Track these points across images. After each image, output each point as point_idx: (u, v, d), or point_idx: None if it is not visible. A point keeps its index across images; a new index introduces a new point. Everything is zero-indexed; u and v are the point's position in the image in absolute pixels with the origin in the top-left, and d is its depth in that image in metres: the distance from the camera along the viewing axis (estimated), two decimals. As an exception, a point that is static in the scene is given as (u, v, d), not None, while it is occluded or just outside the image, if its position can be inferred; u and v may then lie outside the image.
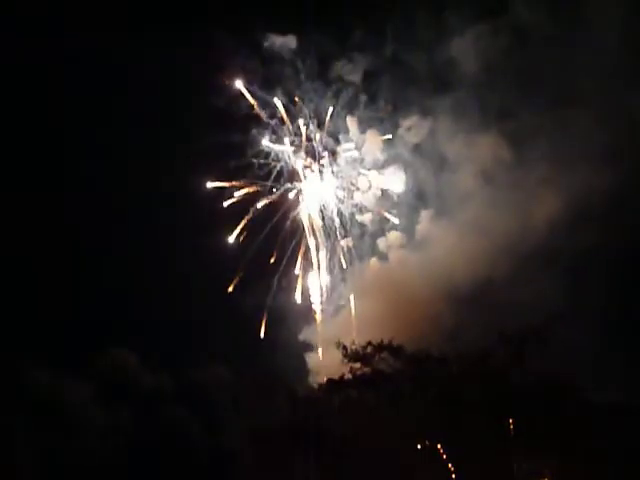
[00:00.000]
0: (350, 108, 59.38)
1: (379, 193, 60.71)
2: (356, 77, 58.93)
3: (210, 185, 58.21)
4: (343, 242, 60.66)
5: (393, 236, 60.51)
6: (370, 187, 60.60)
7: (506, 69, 56.33)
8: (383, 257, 60.82)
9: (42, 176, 53.03)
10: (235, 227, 58.42)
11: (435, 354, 47.44)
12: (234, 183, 58.53)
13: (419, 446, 46.82)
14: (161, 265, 53.84)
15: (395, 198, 60.60)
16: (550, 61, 56.25)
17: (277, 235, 59.21)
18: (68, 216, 52.65)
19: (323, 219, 60.75)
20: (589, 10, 53.64)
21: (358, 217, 61.00)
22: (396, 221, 60.36)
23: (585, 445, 43.24)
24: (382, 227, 60.78)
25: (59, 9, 53.24)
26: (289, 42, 57.75)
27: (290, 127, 59.67)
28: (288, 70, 57.91)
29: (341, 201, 60.72)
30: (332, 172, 60.70)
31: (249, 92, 58.12)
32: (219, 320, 53.53)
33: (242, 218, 58.39)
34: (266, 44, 57.87)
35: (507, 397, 45.35)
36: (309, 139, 59.98)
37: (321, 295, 60.00)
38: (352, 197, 60.85)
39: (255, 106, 58.16)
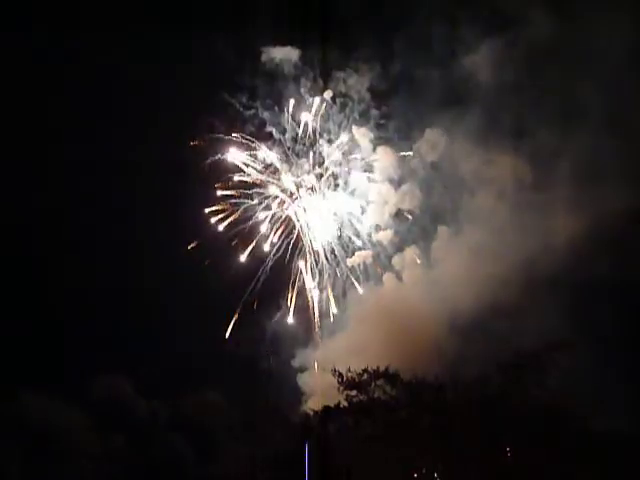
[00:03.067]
0: (360, 124, 64.40)
1: (393, 211, 64.99)
2: (365, 92, 63.74)
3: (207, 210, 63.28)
4: (349, 261, 65.24)
5: (409, 253, 64.70)
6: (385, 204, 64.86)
7: (523, 85, 60.94)
8: (395, 276, 64.78)
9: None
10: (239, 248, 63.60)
11: (432, 382, 52.46)
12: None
13: (415, 475, 52.00)
14: (156, 293, 58.32)
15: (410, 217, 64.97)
16: (567, 77, 60.06)
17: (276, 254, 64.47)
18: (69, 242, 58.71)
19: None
20: (605, 26, 57.73)
21: (374, 236, 65.50)
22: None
23: (585, 474, 48.44)
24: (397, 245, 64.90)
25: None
26: (291, 55, 62.95)
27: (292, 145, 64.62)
28: (291, 85, 63.25)
29: (350, 220, 65.62)
30: (340, 188, 65.79)
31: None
32: (214, 346, 59.09)
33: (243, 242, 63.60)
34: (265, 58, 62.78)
35: (505, 425, 50.34)
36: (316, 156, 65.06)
37: (317, 318, 64.43)
38: (364, 213, 65.50)
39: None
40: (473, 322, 57.58)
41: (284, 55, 62.89)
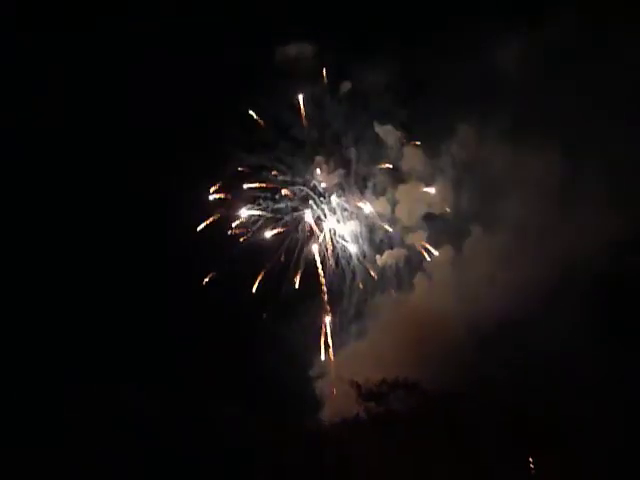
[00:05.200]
0: (385, 122, 67.41)
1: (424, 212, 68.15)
2: (388, 88, 66.23)
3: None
4: (378, 263, 68.37)
5: (440, 255, 67.49)
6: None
7: (556, 81, 63.27)
8: (426, 279, 67.64)
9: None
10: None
11: (454, 391, 54.63)
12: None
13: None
14: (172, 301, 63.15)
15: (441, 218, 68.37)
16: (602, 72, 61.63)
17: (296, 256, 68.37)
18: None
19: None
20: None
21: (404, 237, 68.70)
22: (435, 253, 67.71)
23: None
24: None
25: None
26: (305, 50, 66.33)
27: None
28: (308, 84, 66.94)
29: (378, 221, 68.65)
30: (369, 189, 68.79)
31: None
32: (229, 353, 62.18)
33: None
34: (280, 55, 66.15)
35: (528, 435, 52.06)
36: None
37: (334, 326, 67.89)
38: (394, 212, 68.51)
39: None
40: (501, 329, 59.30)
41: (299, 51, 65.83)
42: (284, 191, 67.76)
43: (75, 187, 63.05)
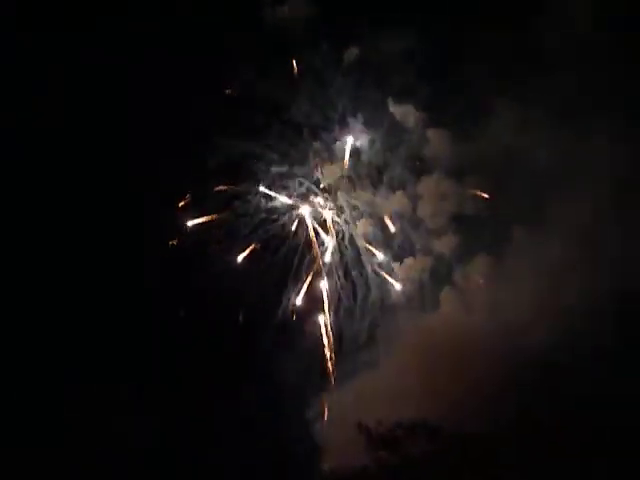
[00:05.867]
0: (403, 101, 59.99)
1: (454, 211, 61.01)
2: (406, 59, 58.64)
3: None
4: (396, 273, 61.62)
5: (472, 267, 60.27)
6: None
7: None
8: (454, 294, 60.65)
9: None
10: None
11: (483, 435, 50.13)
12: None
13: None
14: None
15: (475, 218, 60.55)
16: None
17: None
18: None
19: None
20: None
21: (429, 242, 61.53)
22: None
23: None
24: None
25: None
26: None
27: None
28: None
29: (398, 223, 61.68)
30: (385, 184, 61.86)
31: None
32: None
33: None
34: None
35: None
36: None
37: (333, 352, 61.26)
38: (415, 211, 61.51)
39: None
40: (544, 361, 52.90)
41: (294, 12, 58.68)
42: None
43: (75, 186, 60.53)
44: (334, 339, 60.73)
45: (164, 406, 56.91)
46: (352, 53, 59.42)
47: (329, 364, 60.28)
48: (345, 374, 59.99)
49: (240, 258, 59.85)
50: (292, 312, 60.22)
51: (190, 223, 59.74)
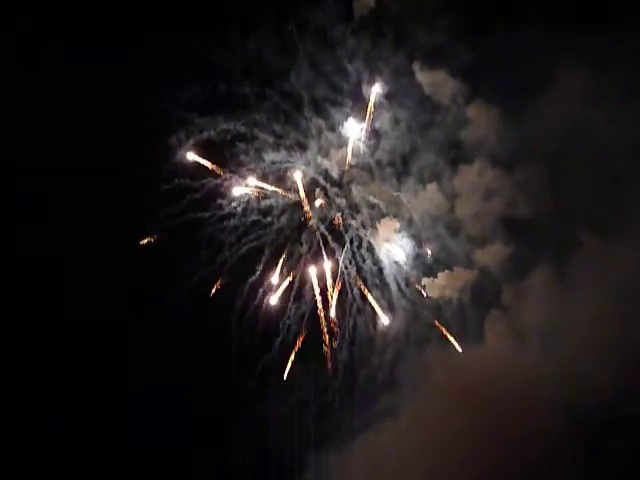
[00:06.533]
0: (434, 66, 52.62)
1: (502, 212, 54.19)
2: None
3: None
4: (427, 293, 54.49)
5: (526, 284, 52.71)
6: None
7: None
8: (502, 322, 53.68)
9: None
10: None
11: None
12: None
13: None
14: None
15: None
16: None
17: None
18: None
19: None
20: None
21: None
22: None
23: None
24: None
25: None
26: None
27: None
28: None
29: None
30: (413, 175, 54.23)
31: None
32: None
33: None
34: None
35: None
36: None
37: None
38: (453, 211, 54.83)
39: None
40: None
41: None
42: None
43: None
44: (345, 377, 54.01)
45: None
46: (364, 3, 52.71)
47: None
48: (357, 425, 54.00)
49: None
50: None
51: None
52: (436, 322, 53.70)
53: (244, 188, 53.29)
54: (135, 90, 52.77)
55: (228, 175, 53.45)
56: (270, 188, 53.55)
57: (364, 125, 53.42)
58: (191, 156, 52.60)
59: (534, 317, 52.25)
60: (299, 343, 53.67)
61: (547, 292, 52.26)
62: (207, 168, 53.29)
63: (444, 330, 53.51)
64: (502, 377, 50.70)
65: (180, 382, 54.67)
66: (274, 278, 53.59)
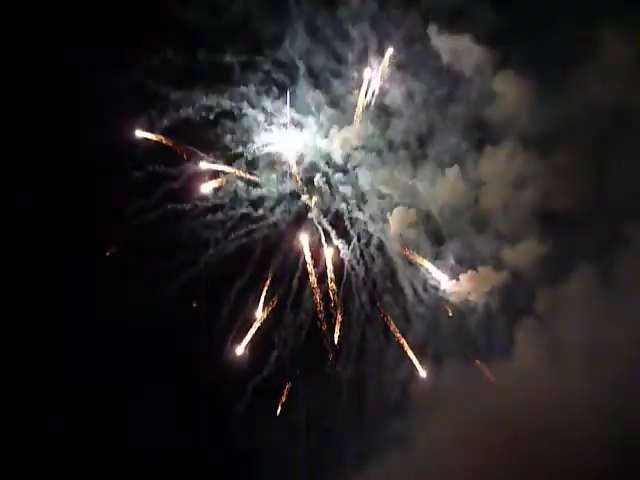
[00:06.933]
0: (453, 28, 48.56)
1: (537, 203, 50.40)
2: None
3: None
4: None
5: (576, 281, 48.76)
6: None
7: None
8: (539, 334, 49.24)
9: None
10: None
11: None
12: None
13: None
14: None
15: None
16: None
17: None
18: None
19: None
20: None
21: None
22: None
23: None
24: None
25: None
26: None
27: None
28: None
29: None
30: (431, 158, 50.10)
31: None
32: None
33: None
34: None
35: None
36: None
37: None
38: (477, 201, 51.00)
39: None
40: None
41: None
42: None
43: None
44: (353, 398, 50.18)
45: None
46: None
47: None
48: (365, 452, 49.68)
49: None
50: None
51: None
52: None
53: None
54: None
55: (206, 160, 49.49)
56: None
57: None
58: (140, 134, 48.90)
59: (573, 328, 47.86)
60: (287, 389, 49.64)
61: (589, 298, 48.00)
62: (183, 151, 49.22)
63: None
64: (533, 401, 46.38)
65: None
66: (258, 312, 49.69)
